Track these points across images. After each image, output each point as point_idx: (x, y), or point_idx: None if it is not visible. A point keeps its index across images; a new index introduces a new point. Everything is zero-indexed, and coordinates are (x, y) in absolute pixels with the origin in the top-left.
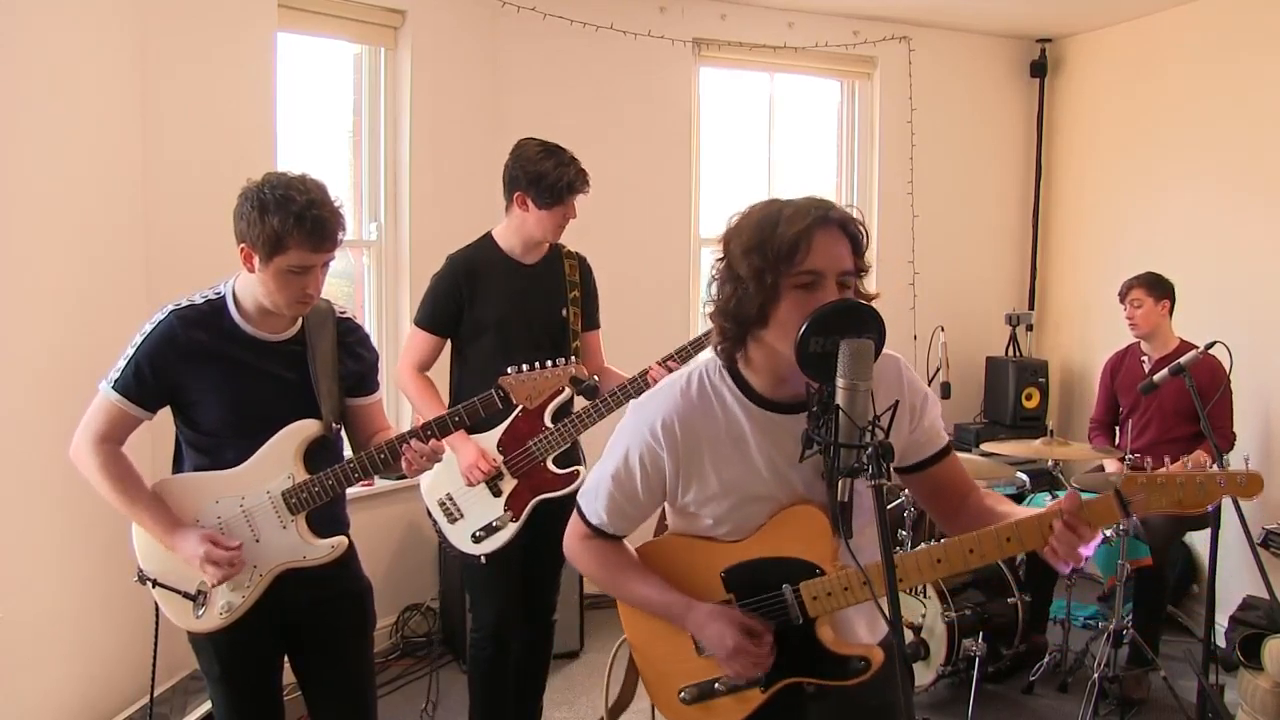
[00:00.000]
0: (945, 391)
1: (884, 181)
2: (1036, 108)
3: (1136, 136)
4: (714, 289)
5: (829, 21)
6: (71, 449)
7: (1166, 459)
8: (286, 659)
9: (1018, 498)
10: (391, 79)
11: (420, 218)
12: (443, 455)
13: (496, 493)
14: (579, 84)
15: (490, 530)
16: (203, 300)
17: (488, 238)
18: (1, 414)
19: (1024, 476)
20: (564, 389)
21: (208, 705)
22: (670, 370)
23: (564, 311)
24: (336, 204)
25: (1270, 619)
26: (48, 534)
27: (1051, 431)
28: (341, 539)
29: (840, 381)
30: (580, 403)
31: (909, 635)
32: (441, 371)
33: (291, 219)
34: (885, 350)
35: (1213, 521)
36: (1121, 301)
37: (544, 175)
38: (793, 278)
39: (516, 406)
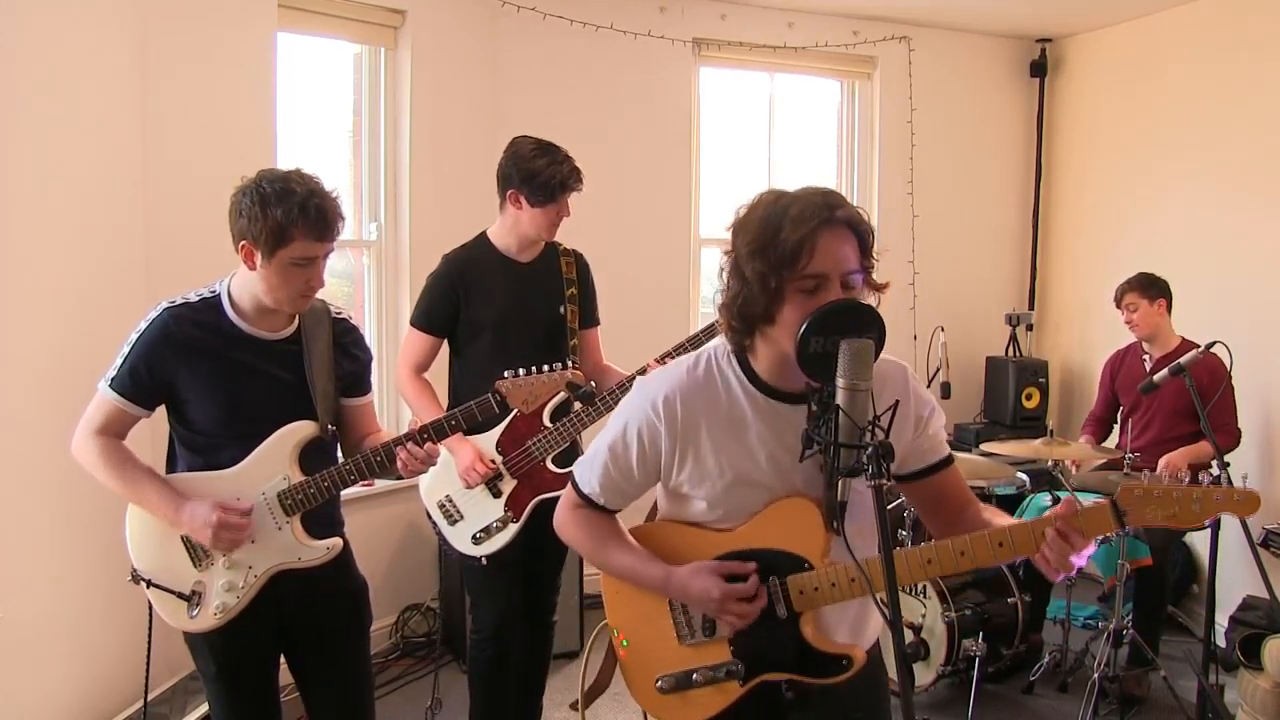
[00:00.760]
0: (945, 391)
1: (884, 181)
2: (1036, 108)
3: (1136, 136)
4: (723, 279)
5: (829, 21)
6: (73, 446)
7: (1162, 463)
8: (284, 658)
9: (1018, 498)
10: (391, 79)
11: (420, 218)
12: (438, 459)
13: (496, 494)
14: (579, 84)
15: (490, 531)
16: (198, 298)
17: (483, 237)
18: (1, 414)
19: (1024, 476)
20: (561, 392)
21: (207, 705)
22: (697, 345)
23: (561, 309)
24: (334, 194)
25: (1270, 619)
26: (47, 534)
27: (1051, 431)
28: (337, 541)
29: (840, 381)
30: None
31: (909, 635)
32: (441, 373)
33: (295, 209)
34: (893, 359)
35: (1213, 521)
36: (1118, 306)
37: (537, 173)
38: (797, 281)
39: (513, 411)
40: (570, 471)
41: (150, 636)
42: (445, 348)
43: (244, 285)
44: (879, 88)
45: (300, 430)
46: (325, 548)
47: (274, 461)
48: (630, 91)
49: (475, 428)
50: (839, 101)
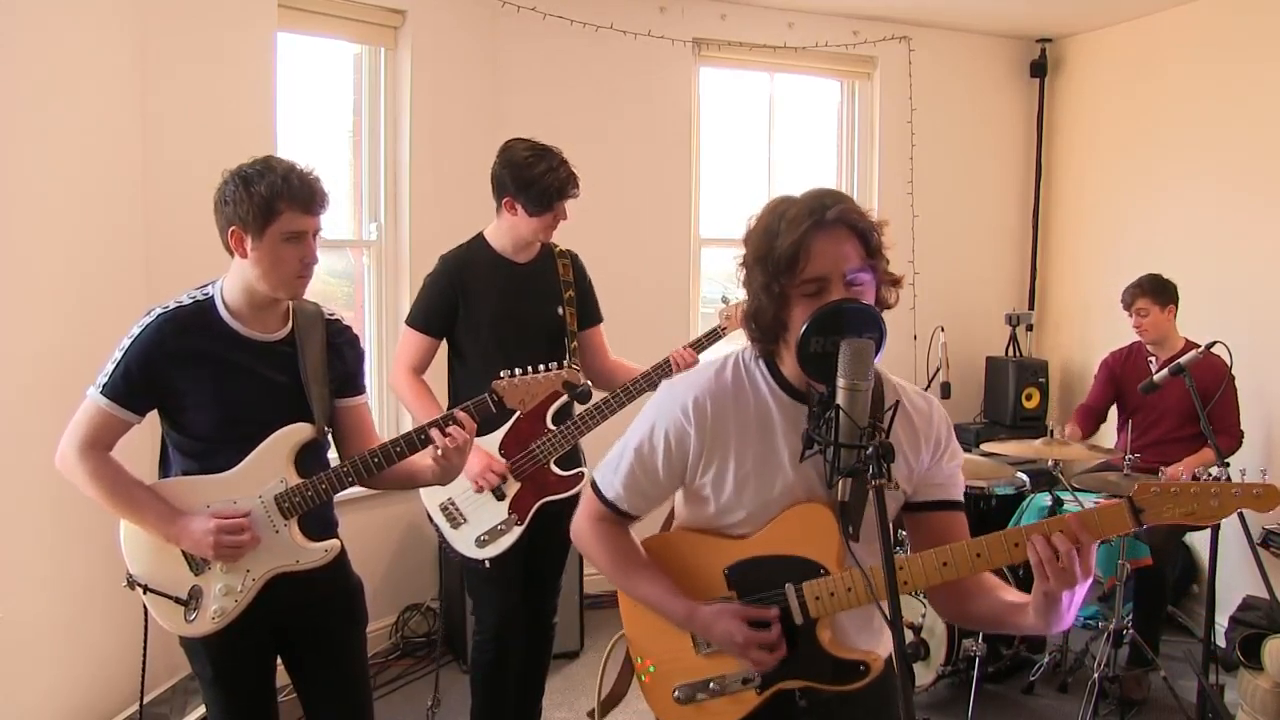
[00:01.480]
0: (945, 391)
1: (884, 181)
2: (1036, 108)
3: (1136, 136)
4: (744, 290)
5: (829, 21)
6: (58, 458)
7: (1163, 471)
8: (280, 660)
9: (1018, 498)
10: (391, 79)
11: (420, 218)
12: (472, 443)
13: (500, 496)
14: (579, 84)
15: (495, 534)
16: (190, 301)
17: (480, 238)
18: (1, 414)
19: (1024, 476)
20: (559, 392)
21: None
22: (700, 349)
23: (559, 311)
24: (314, 172)
25: (1270, 619)
26: (47, 534)
27: (1051, 431)
28: (334, 542)
29: (841, 381)
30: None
31: (909, 635)
32: (441, 375)
33: (279, 180)
34: (924, 393)
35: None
36: (1127, 310)
37: (533, 182)
38: (798, 286)
39: (510, 410)
40: (574, 475)
41: (146, 639)
42: (446, 350)
43: (237, 281)
44: (879, 88)
45: (297, 433)
46: (324, 550)
47: (271, 464)
48: (630, 91)
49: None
50: (839, 101)
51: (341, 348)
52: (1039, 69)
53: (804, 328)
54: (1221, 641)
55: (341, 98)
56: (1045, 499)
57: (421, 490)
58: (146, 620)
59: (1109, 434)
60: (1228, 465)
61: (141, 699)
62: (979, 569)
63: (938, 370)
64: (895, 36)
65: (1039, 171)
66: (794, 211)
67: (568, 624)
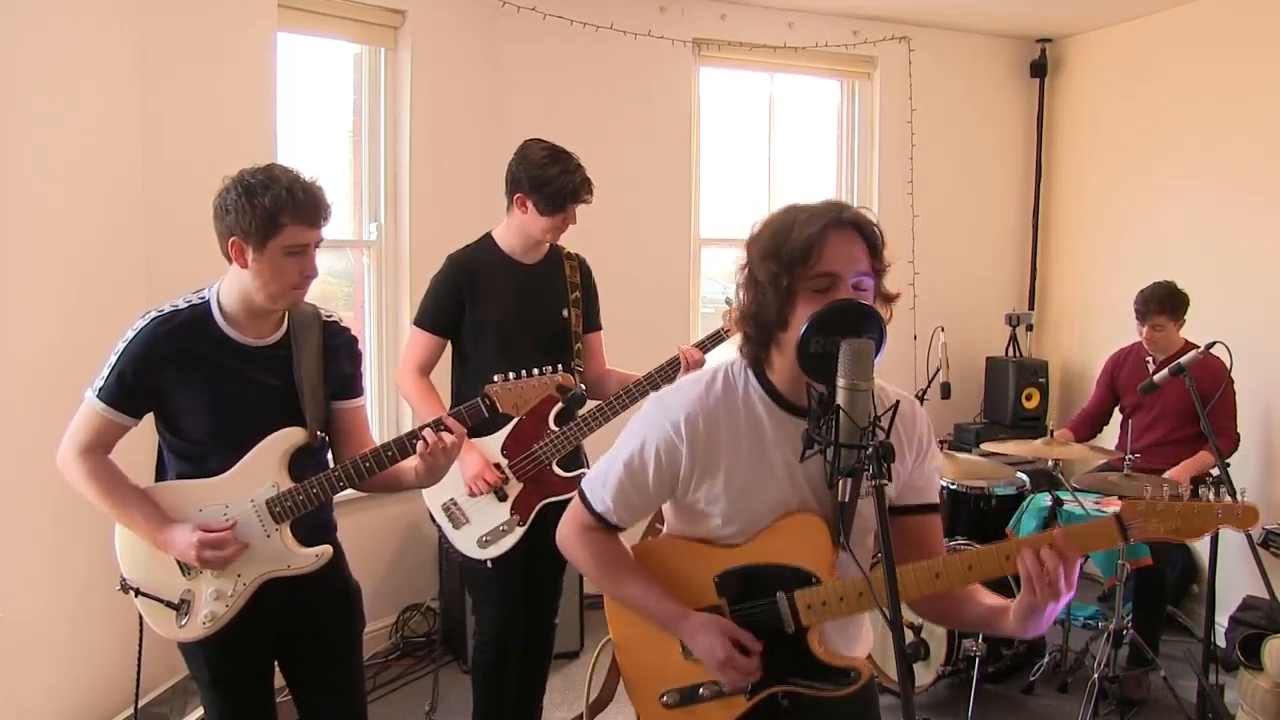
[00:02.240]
0: (945, 392)
1: (884, 181)
2: (1036, 108)
3: (1136, 136)
4: (739, 295)
5: (829, 21)
6: (58, 458)
7: (1164, 485)
8: (277, 662)
9: (1018, 498)
10: (391, 79)
11: (420, 218)
12: (460, 448)
13: (502, 497)
14: (579, 84)
15: (496, 535)
16: (185, 305)
17: (488, 238)
18: (1, 414)
19: (1024, 477)
20: (553, 396)
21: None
22: (704, 351)
23: (565, 313)
24: (317, 182)
25: (1270, 619)
26: (47, 534)
27: (1051, 431)
28: (326, 548)
29: (841, 382)
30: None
31: (909, 635)
32: (442, 375)
33: (283, 193)
34: (907, 395)
35: None
36: (1140, 321)
37: (548, 182)
38: (808, 281)
39: (502, 414)
40: (576, 476)
41: (141, 642)
42: (449, 350)
43: (234, 288)
44: (879, 88)
45: (289, 437)
46: (314, 555)
47: (263, 469)
48: (630, 91)
49: (479, 430)
50: (839, 101)
51: (338, 350)
52: (1039, 69)
53: (805, 327)
54: (1221, 641)
55: (341, 98)
56: (1045, 499)
57: (424, 490)
58: (141, 623)
59: (1109, 434)
60: (1229, 466)
61: (136, 702)
62: (971, 580)
63: (938, 370)
64: (895, 36)
65: (1039, 172)
66: (808, 213)
67: (567, 624)
